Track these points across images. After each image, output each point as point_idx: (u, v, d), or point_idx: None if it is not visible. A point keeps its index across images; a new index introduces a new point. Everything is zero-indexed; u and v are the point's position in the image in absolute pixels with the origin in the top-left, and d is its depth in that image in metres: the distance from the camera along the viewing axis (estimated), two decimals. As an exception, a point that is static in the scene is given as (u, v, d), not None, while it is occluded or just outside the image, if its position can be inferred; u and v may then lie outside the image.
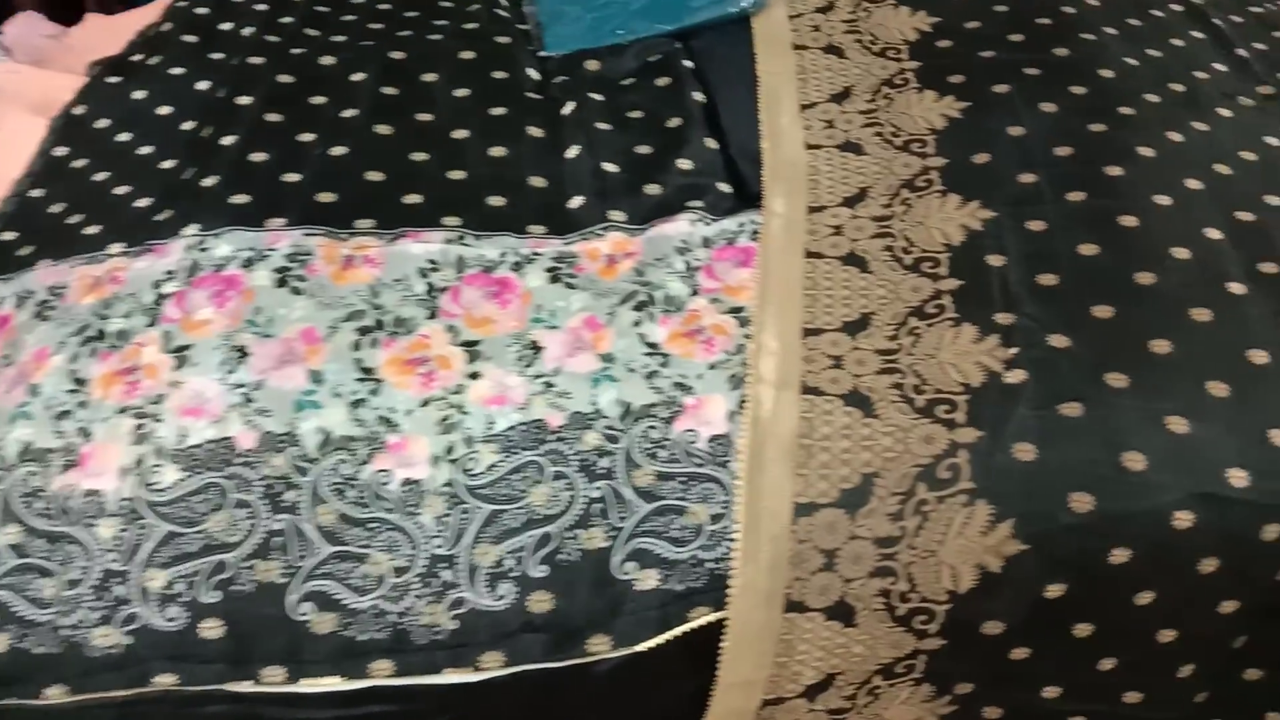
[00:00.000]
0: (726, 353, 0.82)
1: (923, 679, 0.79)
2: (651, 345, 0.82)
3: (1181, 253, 0.86)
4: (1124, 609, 0.77)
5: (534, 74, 1.11)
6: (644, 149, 1.01)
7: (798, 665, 0.76)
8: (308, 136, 1.00)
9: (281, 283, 0.85)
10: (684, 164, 0.99)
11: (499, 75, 1.09)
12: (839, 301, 0.86)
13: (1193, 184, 0.93)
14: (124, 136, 1.07)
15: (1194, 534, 0.74)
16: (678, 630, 0.73)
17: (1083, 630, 0.77)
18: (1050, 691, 0.81)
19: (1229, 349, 0.80)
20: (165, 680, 0.72)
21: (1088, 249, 0.86)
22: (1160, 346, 0.79)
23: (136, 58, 1.19)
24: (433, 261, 0.87)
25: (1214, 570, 0.76)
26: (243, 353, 0.80)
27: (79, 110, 1.12)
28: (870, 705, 0.80)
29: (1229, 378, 0.78)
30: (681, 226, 0.91)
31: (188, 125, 1.06)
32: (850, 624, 0.75)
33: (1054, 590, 0.75)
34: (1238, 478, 0.74)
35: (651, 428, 0.77)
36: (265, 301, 0.84)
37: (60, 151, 1.07)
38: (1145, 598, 0.76)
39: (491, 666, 0.72)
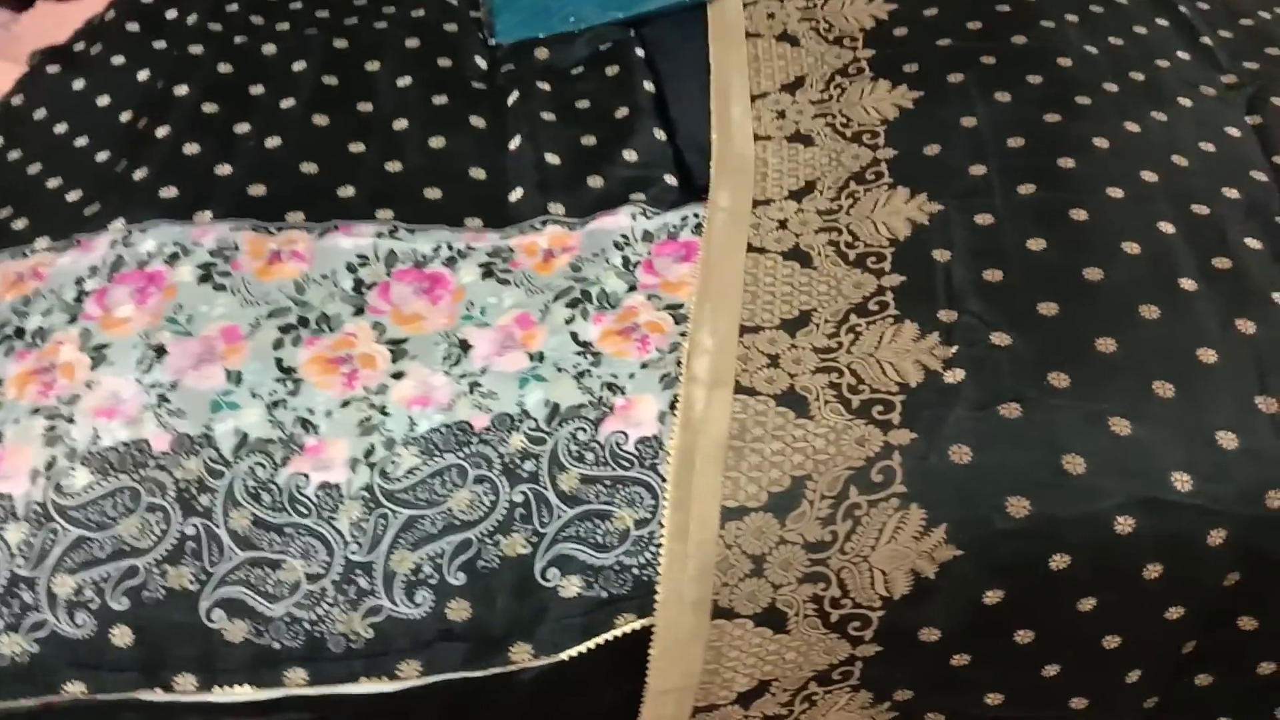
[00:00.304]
0: (660, 351, 0.79)
1: (860, 685, 0.77)
2: (583, 344, 0.79)
3: (1132, 248, 0.84)
4: (1066, 615, 0.74)
5: (481, 63, 1.08)
6: (589, 140, 0.98)
7: (729, 672, 0.74)
8: (243, 128, 0.98)
9: (205, 278, 0.83)
10: (629, 155, 0.96)
11: (444, 64, 1.06)
12: (780, 298, 0.84)
13: (1148, 176, 0.90)
14: (60, 128, 1.04)
15: (1137, 539, 0.72)
16: (602, 638, 0.71)
17: (1024, 636, 0.75)
18: (993, 698, 0.79)
19: (1177, 348, 0.77)
20: (74, 688, 0.70)
21: (1036, 244, 0.84)
22: (1106, 345, 0.77)
23: (79, 47, 1.16)
24: (362, 256, 0.85)
25: (1158, 576, 0.73)
26: (160, 351, 0.78)
27: (17, 100, 1.10)
28: (808, 712, 0.78)
29: (1176, 378, 0.76)
30: (622, 220, 0.89)
31: (125, 116, 1.03)
32: (782, 630, 0.73)
33: (992, 596, 0.73)
34: (1182, 481, 0.72)
35: (579, 429, 0.75)
36: (187, 298, 0.81)
37: (-5, 143, 1.04)
38: (1088, 604, 0.74)
39: (409, 676, 0.70)
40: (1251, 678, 0.81)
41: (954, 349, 0.77)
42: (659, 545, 0.71)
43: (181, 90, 1.02)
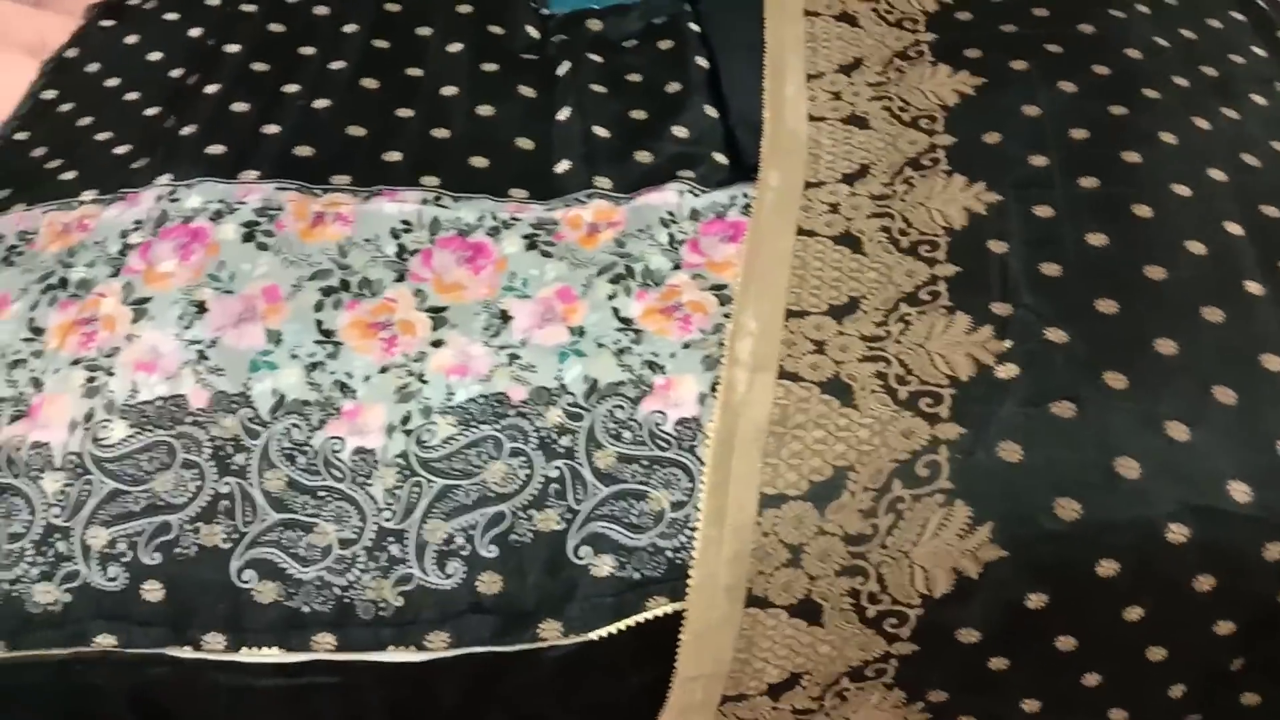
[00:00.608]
0: (703, 332, 0.78)
1: (894, 684, 0.75)
2: (625, 320, 0.78)
3: (1197, 247, 0.81)
4: (1111, 623, 0.72)
5: (533, 32, 1.06)
6: (638, 114, 0.97)
7: (760, 662, 0.73)
8: (292, 88, 0.97)
9: (248, 237, 0.82)
10: (679, 131, 0.94)
11: (495, 31, 1.04)
12: (828, 283, 0.82)
13: (1216, 174, 0.87)
14: (112, 82, 1.05)
15: (1189, 549, 0.69)
16: (633, 619, 0.70)
17: (1066, 643, 0.73)
18: (1029, 704, 0.77)
19: (1240, 352, 0.75)
20: (105, 641, 0.70)
21: (1096, 238, 0.81)
22: (1165, 346, 0.74)
23: (133, 1, 1.16)
24: (406, 222, 0.84)
25: (1210, 588, 0.71)
26: (201, 308, 0.78)
27: (71, 53, 1.10)
28: (839, 708, 0.77)
29: (1238, 383, 0.73)
30: (669, 197, 0.87)
31: (175, 72, 1.03)
32: (816, 623, 0.71)
33: (1036, 600, 0.71)
34: (1240, 491, 0.69)
35: (618, 407, 0.73)
36: (230, 256, 0.81)
37: (49, 95, 1.05)
38: (1134, 613, 0.72)
39: (437, 647, 0.69)
40: (1300, 698, 0.78)
41: (1007, 343, 0.75)
42: (694, 529, 0.70)
43: (232, 48, 1.02)
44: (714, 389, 0.74)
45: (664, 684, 0.73)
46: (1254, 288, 0.79)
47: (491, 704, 0.73)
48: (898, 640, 0.72)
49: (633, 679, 0.74)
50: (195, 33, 1.07)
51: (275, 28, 1.05)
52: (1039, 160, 0.88)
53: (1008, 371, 0.74)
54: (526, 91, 0.98)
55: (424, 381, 0.74)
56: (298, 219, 0.83)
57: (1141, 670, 0.75)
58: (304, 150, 0.90)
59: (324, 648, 0.69)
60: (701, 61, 1.03)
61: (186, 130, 0.93)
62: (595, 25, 1.08)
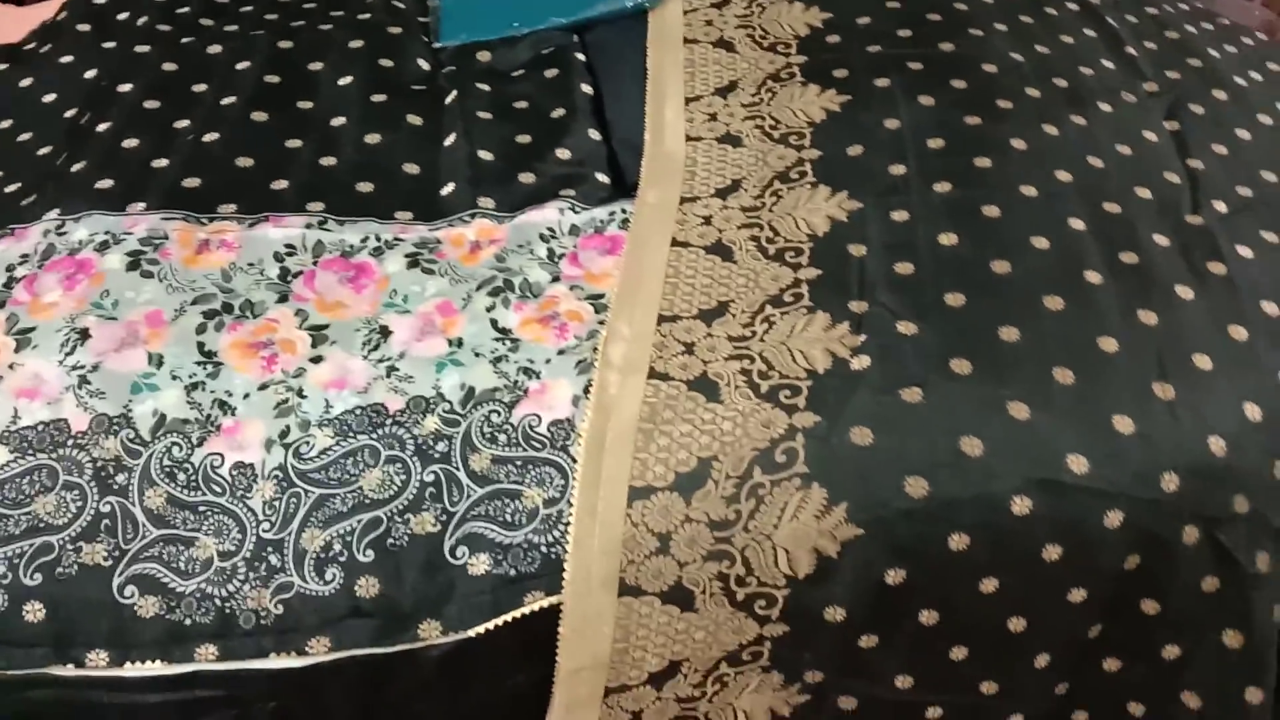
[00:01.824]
0: (578, 338, 0.81)
1: (771, 666, 0.78)
2: (502, 331, 0.81)
3: (1041, 242, 0.86)
4: (969, 596, 0.76)
5: (424, 64, 1.10)
6: (523, 138, 1.00)
7: (639, 651, 0.75)
8: (183, 123, 0.99)
9: (133, 266, 0.84)
10: (563, 154, 0.98)
11: (385, 64, 1.08)
12: (699, 290, 0.86)
13: (1063, 176, 0.93)
14: (4, 124, 1.06)
15: (1034, 521, 0.74)
16: (510, 615, 0.72)
17: (929, 617, 0.77)
18: (903, 681, 0.80)
19: (1079, 337, 0.80)
20: (-13, 664, 0.71)
21: (947, 238, 0.86)
22: (1009, 334, 0.79)
23: (30, 46, 1.18)
24: (290, 246, 0.87)
25: (1058, 558, 0.75)
26: (84, 335, 0.79)
27: (-35, 98, 1.11)
28: (720, 694, 0.79)
29: (1076, 365, 0.78)
30: (550, 214, 0.91)
31: (69, 113, 1.05)
32: (689, 608, 0.74)
33: (894, 576, 0.74)
34: (1078, 464, 0.74)
35: (493, 412, 0.76)
36: (114, 285, 0.83)
37: (-58, 139, 1.06)
38: (989, 585, 0.76)
39: (318, 651, 0.71)
40: (1158, 662, 0.82)
41: (862, 338, 0.79)
42: (567, 524, 0.73)
43: (125, 87, 1.04)
44: (587, 391, 0.77)
45: (549, 681, 0.75)
46: (1094, 277, 0.84)
47: (380, 709, 0.75)
48: (768, 622, 0.75)
49: (519, 676, 0.76)
50: (90, 74, 1.09)
51: (169, 66, 1.07)
52: (898, 169, 0.94)
53: (861, 363, 0.78)
54: (414, 120, 1.01)
55: (302, 396, 0.76)
56: (183, 247, 0.85)
57: (1004, 642, 0.79)
58: (192, 181, 0.92)
59: (207, 658, 0.70)
60: (586, 88, 1.07)
61: (76, 166, 0.95)
62: (484, 56, 1.12)
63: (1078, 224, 0.88)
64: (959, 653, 0.79)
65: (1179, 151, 0.98)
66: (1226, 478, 0.76)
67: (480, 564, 0.72)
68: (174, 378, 0.77)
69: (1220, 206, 0.92)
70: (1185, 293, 0.84)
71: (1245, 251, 0.88)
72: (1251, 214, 0.92)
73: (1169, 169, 0.96)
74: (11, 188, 0.96)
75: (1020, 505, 0.73)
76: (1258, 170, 0.97)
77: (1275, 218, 0.92)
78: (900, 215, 0.89)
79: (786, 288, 0.85)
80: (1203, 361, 0.79)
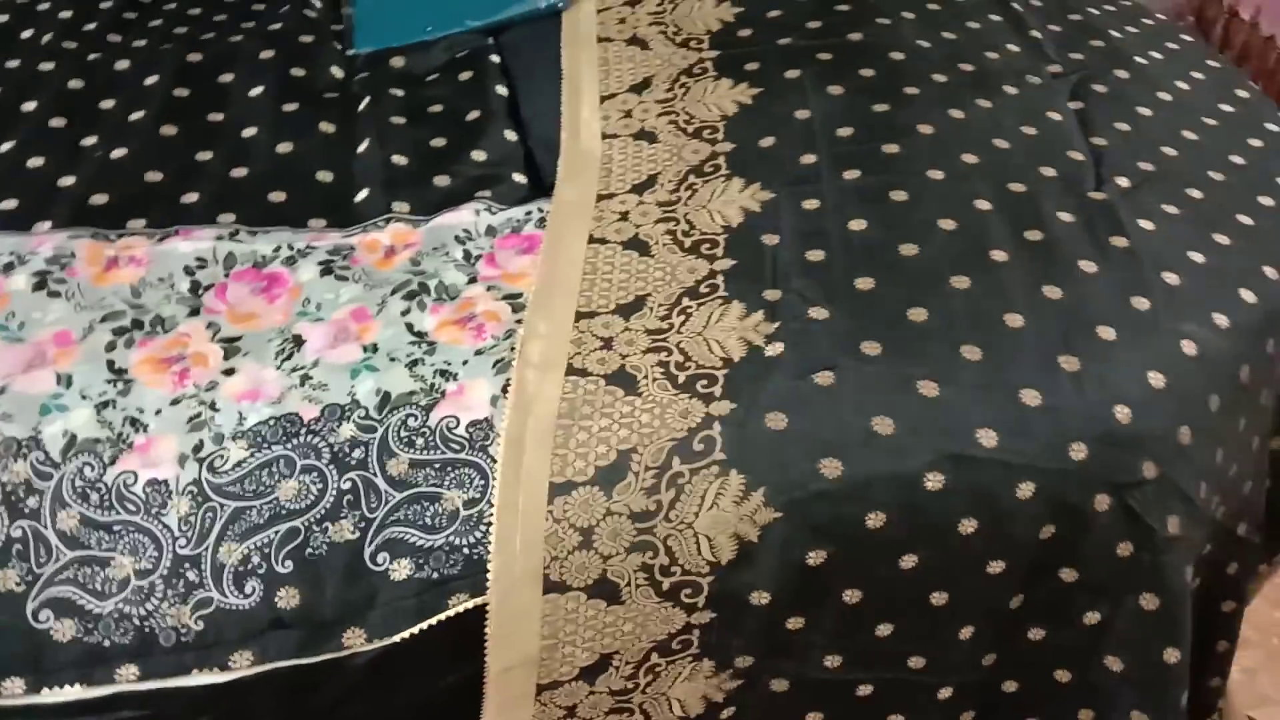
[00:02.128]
0: (495, 338, 0.81)
1: (701, 654, 0.79)
2: (418, 334, 0.81)
3: (948, 224, 0.88)
4: (889, 573, 0.77)
5: (337, 72, 1.10)
6: (438, 141, 1.00)
7: (568, 646, 0.76)
8: (90, 140, 0.98)
9: (40, 286, 0.83)
10: (478, 156, 0.99)
11: (297, 73, 1.07)
12: (616, 285, 0.86)
13: (969, 158, 0.95)
14: (-94, 147, 1.03)
15: (947, 495, 0.75)
16: (436, 618, 0.72)
17: (852, 596, 0.78)
18: (831, 660, 0.82)
19: (985, 314, 0.81)
20: (-101, 699, 0.69)
21: (857, 224, 0.88)
22: (917, 315, 0.81)
23: (-70, 68, 1.15)
24: (200, 259, 0.86)
25: (974, 531, 0.77)
26: (-11, 358, 0.78)
27: None
28: (654, 684, 0.80)
29: (983, 342, 0.80)
30: (465, 216, 0.91)
31: (-27, 134, 1.03)
32: (616, 601, 0.75)
33: (815, 557, 0.75)
34: (987, 438, 0.76)
35: (410, 416, 0.76)
36: (20, 306, 0.81)
37: None
38: (909, 561, 0.77)
39: (241, 666, 0.70)
40: (1079, 629, 0.84)
41: (776, 325, 0.81)
42: (489, 524, 0.73)
43: (29, 106, 1.03)
44: (505, 390, 0.77)
45: (480, 680, 0.76)
46: (1000, 255, 0.86)
47: (309, 716, 0.74)
48: (695, 610, 0.76)
49: (447, 677, 0.76)
50: (-6, 94, 1.07)
51: (75, 84, 1.06)
52: (809, 159, 0.95)
53: (775, 350, 0.79)
54: (327, 128, 1.01)
55: (215, 409, 0.76)
56: (90, 264, 0.84)
57: (928, 617, 0.80)
58: (99, 198, 0.91)
59: (127, 679, 0.70)
60: (501, 90, 1.07)
61: (-22, 188, 0.93)
62: (398, 62, 1.11)
63: (984, 204, 0.90)
64: (884, 629, 0.81)
65: (1083, 130, 1.01)
66: (1134, 445, 0.78)
67: (402, 569, 0.72)
68: (84, 397, 0.76)
69: (1122, 181, 0.95)
70: (1089, 267, 0.86)
71: (1146, 224, 0.91)
72: (1152, 188, 0.95)
73: (1073, 147, 0.99)
74: (-87, 213, 0.94)
75: (933, 481, 0.75)
76: (1158, 145, 1.00)
77: (1175, 191, 0.95)
78: (811, 204, 0.90)
79: (703, 279, 0.86)
80: (1107, 333, 0.81)
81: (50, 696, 0.70)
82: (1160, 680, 0.84)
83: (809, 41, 1.09)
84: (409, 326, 0.81)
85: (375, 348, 0.80)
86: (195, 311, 0.82)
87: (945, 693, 0.85)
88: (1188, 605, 0.83)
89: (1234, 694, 1.15)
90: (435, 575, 0.72)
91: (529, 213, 0.93)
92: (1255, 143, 1.02)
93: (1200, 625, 0.87)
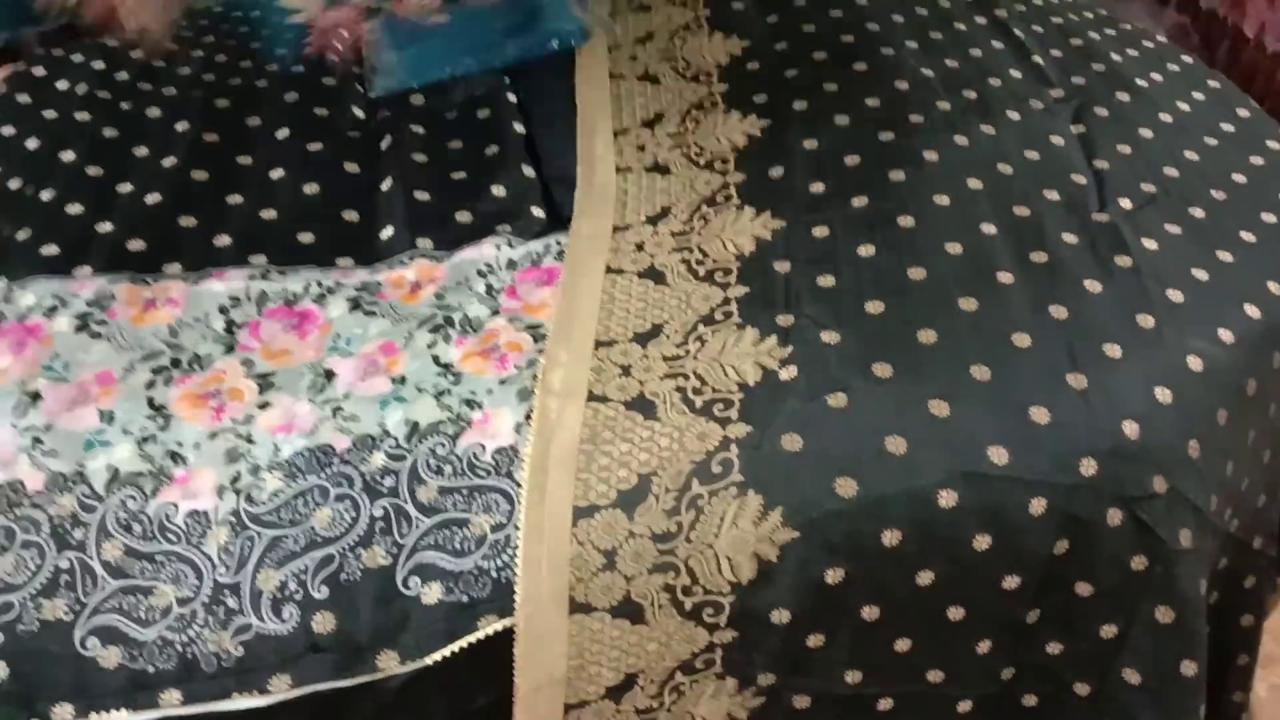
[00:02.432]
0: (518, 368, 0.84)
1: (724, 673, 0.81)
2: (444, 365, 0.84)
3: (955, 248, 0.91)
4: (907, 589, 0.79)
5: (358, 112, 1.14)
6: (458, 176, 1.04)
7: (594, 666, 0.78)
8: (125, 187, 1.02)
9: (81, 328, 0.86)
10: (497, 191, 1.02)
11: (321, 114, 1.11)
12: (634, 314, 0.89)
13: (973, 183, 0.98)
14: (-53, 197, 1.08)
15: (960, 512, 0.77)
16: (465, 640, 0.74)
17: (870, 613, 0.80)
18: (852, 676, 0.83)
19: (992, 334, 0.84)
20: (-49, 726, 0.72)
21: (865, 250, 0.91)
22: (926, 336, 0.83)
23: (-31, 120, 1.20)
24: (234, 298, 0.89)
25: (988, 547, 0.79)
26: (35, 397, 0.81)
27: (-92, 174, 1.13)
28: (678, 702, 0.82)
29: (991, 361, 0.82)
30: (486, 250, 0.94)
31: (14, 184, 1.07)
32: (640, 621, 0.77)
33: (834, 575, 0.77)
34: (998, 455, 0.78)
35: (439, 444, 0.79)
36: (64, 347, 0.85)
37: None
38: (925, 577, 0.79)
39: (280, 689, 0.73)
40: (1096, 641, 0.85)
41: (789, 349, 0.83)
42: (515, 548, 0.75)
43: (67, 156, 1.07)
44: (528, 418, 0.80)
45: (509, 702, 0.78)
46: (1005, 277, 0.88)
47: (344, 740, 0.77)
48: (717, 629, 0.78)
49: (479, 698, 0.78)
50: (32, 145, 1.11)
51: (109, 132, 1.10)
52: (817, 187, 0.98)
53: (789, 373, 0.81)
54: (351, 167, 1.04)
55: (251, 442, 0.79)
56: (129, 307, 0.88)
57: (946, 631, 0.82)
58: (136, 244, 0.95)
59: (171, 703, 0.72)
60: (518, 127, 1.11)
61: (21, 235, 0.97)
62: (418, 101, 1.15)
63: (989, 228, 0.93)
64: (903, 644, 0.82)
65: (1085, 153, 1.03)
66: (1143, 459, 0.80)
67: (433, 593, 0.74)
68: (125, 433, 0.79)
69: (1125, 203, 0.97)
70: (1094, 286, 0.88)
71: (1150, 244, 0.93)
72: (1155, 208, 0.97)
73: (1076, 170, 1.01)
74: (-44, 259, 0.98)
75: (946, 498, 0.77)
76: (1160, 166, 1.02)
77: (1178, 210, 0.97)
78: (821, 231, 0.93)
79: (717, 306, 0.89)
80: (1113, 350, 0.83)
81: (97, 722, 0.72)
82: (1178, 692, 0.85)
83: (815, 73, 1.12)
84: (435, 359, 0.84)
85: (404, 380, 0.83)
86: (230, 349, 0.85)
87: (965, 706, 0.87)
88: (1203, 617, 0.84)
89: (1262, 710, 1.15)
90: (465, 598, 0.74)
91: (547, 246, 0.96)
92: (1257, 161, 1.05)
93: (1219, 640, 0.88)
